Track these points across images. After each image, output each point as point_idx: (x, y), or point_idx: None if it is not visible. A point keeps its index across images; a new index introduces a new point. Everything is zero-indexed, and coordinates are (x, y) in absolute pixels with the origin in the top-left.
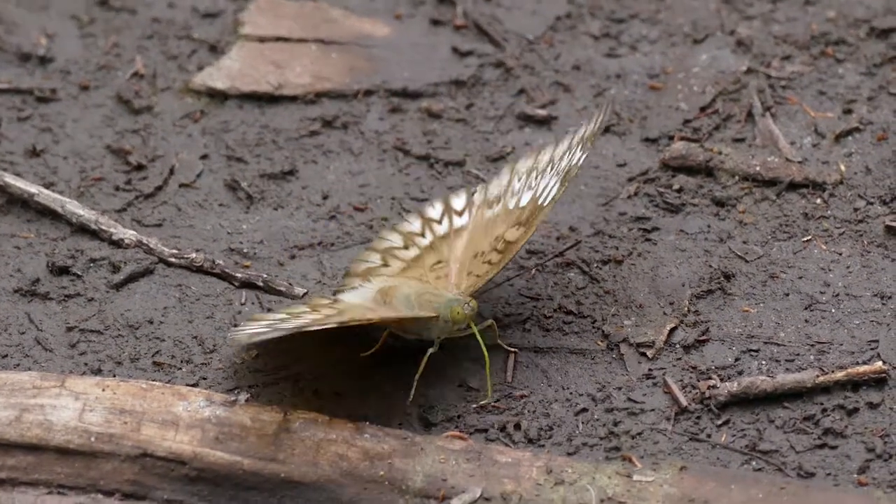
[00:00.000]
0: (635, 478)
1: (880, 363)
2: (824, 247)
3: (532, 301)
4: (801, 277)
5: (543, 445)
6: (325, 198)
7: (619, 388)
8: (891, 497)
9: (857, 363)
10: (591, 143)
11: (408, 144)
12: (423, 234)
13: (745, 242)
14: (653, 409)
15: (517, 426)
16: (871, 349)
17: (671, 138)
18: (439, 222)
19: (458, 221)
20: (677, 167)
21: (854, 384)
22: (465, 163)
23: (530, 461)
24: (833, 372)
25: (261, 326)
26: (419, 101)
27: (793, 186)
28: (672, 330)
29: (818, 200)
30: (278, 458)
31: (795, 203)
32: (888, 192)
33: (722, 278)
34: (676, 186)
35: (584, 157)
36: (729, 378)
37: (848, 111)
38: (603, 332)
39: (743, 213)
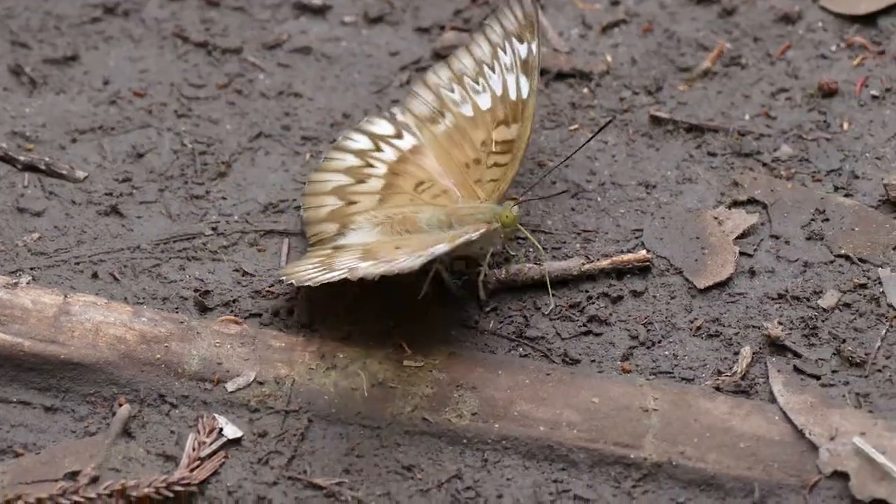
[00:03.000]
0: (405, 363)
1: (644, 251)
2: (590, 135)
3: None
4: (567, 166)
5: (316, 330)
6: (105, 83)
7: None
8: (653, 384)
9: (622, 251)
10: (532, 35)
11: (186, 31)
12: (370, 165)
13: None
14: (424, 294)
15: (290, 311)
16: (636, 238)
17: (443, 28)
18: (378, 150)
19: (403, 144)
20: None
21: (619, 272)
22: (242, 50)
23: (303, 346)
24: (598, 260)
25: (323, 270)
26: None
27: (560, 76)
28: None
29: (585, 90)
30: (58, 339)
31: (563, 92)
32: (653, 82)
33: None
34: None
35: (533, 46)
36: (497, 265)
37: (615, 2)
38: None
39: None
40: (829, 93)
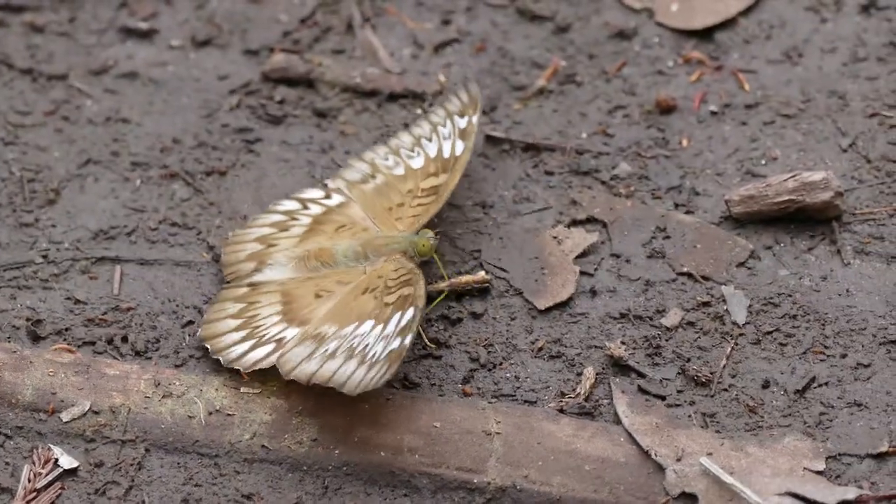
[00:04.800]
0: (242, 390)
1: (482, 273)
2: None
3: (137, 213)
4: None
5: (151, 358)
6: None
7: None
8: (495, 407)
9: (460, 273)
10: (475, 110)
11: (11, 58)
12: (295, 219)
13: (347, 153)
14: None
15: (125, 339)
16: (475, 259)
17: (272, 50)
18: (306, 208)
19: (331, 202)
20: (278, 79)
21: (457, 294)
22: (68, 76)
23: (138, 374)
24: (436, 282)
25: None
26: (22, 15)
27: (393, 97)
28: None
29: (418, 111)
30: None
31: (396, 113)
32: (487, 101)
33: (325, 189)
34: (278, 98)
35: (474, 118)
36: None
37: (446, 21)
38: (208, 243)
39: (344, 123)
40: (667, 109)
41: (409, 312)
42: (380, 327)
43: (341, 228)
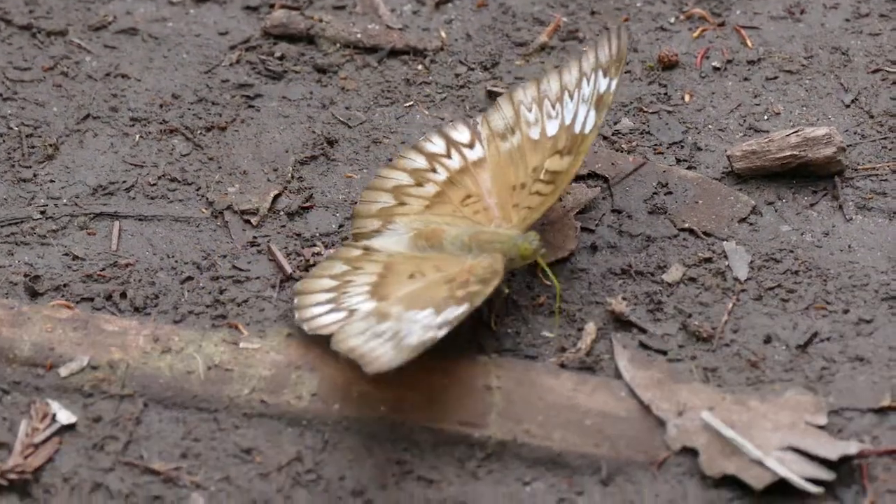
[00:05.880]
0: (241, 345)
1: None
2: (426, 112)
3: (136, 169)
4: (403, 142)
5: (150, 314)
6: None
7: (225, 256)
8: (496, 362)
9: None
10: (617, 70)
11: (10, 14)
12: (434, 170)
13: (347, 108)
14: (258, 277)
15: (123, 295)
16: None
17: (272, 6)
18: (448, 156)
19: (471, 154)
20: (279, 35)
21: None
22: (67, 32)
23: (137, 330)
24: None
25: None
26: None
27: (394, 53)
28: (276, 196)
29: (419, 67)
30: None
31: (397, 69)
32: (489, 57)
33: (325, 144)
34: (278, 54)
35: (613, 83)
36: (333, 245)
37: None
38: (207, 199)
39: (345, 79)
40: (669, 65)
41: (462, 308)
42: (432, 316)
43: (467, 199)
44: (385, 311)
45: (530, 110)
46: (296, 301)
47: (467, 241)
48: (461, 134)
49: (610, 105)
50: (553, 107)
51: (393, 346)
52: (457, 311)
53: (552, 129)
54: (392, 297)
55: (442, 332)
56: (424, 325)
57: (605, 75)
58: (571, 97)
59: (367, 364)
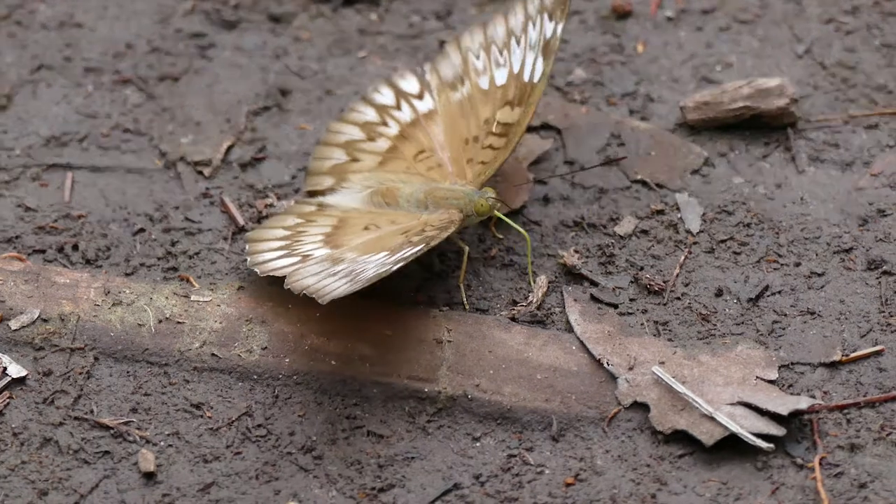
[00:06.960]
0: (193, 298)
1: None
2: (380, 62)
3: (90, 119)
4: (356, 93)
5: (101, 266)
6: None
7: (177, 208)
8: (447, 315)
9: None
10: (563, 13)
11: None
12: (385, 124)
13: (300, 59)
14: (210, 229)
15: (75, 247)
16: None
17: None
18: (398, 108)
19: (421, 106)
20: None
21: None
22: None
23: (88, 282)
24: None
25: (344, 274)
26: None
27: (348, 2)
28: (229, 148)
29: (373, 16)
30: None
31: (351, 19)
32: (443, 6)
33: (279, 95)
34: (233, 3)
35: (559, 27)
36: (286, 196)
37: None
38: (160, 150)
39: (299, 29)
40: (622, 14)
41: (417, 248)
42: (387, 257)
43: (420, 155)
44: (340, 256)
45: (478, 57)
46: (247, 247)
47: (423, 199)
48: (410, 84)
49: (557, 51)
50: (500, 53)
51: (347, 280)
52: (413, 250)
53: (501, 77)
54: (346, 246)
55: (397, 267)
56: (380, 262)
57: (550, 18)
58: (518, 42)
59: (322, 297)
